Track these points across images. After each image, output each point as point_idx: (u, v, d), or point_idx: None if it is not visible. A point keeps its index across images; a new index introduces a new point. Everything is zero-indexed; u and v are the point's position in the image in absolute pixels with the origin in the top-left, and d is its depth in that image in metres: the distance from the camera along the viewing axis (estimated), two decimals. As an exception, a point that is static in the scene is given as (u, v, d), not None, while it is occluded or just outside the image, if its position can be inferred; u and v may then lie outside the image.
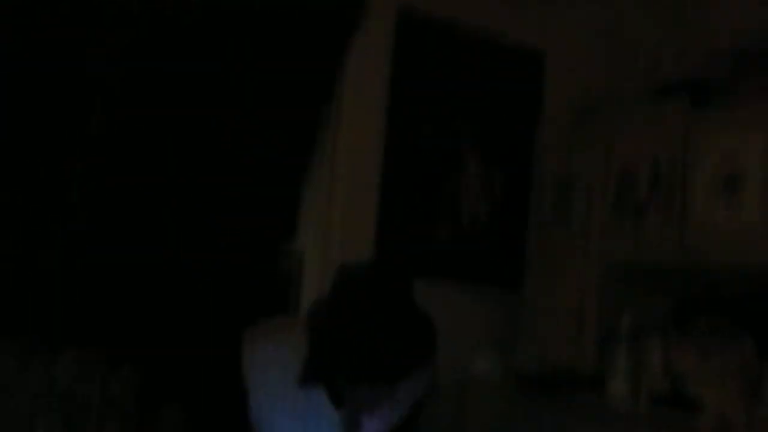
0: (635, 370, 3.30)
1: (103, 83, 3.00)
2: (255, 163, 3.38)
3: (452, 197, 4.10)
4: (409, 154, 3.94)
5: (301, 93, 3.50)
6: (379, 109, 3.87)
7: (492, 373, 3.68)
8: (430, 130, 4.02)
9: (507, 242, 4.24)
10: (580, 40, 4.29)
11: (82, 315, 2.93)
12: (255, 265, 3.43)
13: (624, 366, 3.30)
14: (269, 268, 3.50)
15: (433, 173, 4.02)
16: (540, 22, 4.27)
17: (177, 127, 3.18)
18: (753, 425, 2.93)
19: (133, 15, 3.03)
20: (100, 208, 3.03)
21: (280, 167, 3.49)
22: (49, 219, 2.94)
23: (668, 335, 3.33)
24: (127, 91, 3.06)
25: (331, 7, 3.52)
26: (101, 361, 2.50)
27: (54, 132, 2.95)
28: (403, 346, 1.81)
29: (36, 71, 2.86)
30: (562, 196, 3.93)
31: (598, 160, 3.77)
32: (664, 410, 2.98)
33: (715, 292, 3.41)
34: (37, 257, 2.90)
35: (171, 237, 3.19)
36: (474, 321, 4.08)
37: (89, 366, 2.47)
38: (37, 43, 2.88)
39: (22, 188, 2.89)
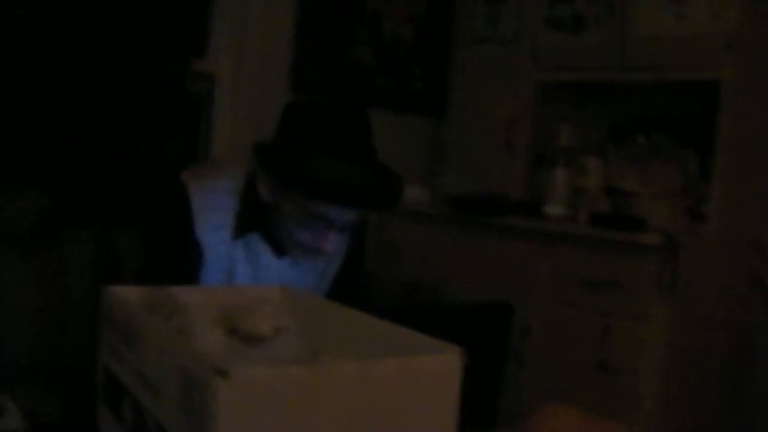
0: (573, 191, 3.17)
1: None
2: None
3: (374, 16, 3.80)
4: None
5: None
6: None
7: (421, 200, 3.49)
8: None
9: (431, 65, 4.00)
10: None
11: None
12: (163, 85, 3.13)
13: (561, 187, 3.16)
14: (178, 88, 3.19)
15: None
16: None
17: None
18: (696, 242, 2.85)
19: None
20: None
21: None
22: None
23: (607, 154, 3.19)
24: None
25: None
26: (1, 181, 2.20)
27: None
28: (374, 172, 1.62)
29: None
30: (491, 12, 3.68)
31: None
32: (604, 229, 2.85)
33: (656, 109, 3.27)
34: None
35: (76, 53, 2.86)
36: (400, 150, 3.85)
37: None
38: None
39: None
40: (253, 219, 1.71)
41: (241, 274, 1.73)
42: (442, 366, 1.04)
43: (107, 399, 1.18)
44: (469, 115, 3.77)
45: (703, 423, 2.77)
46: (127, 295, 1.24)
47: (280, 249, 1.75)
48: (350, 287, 1.90)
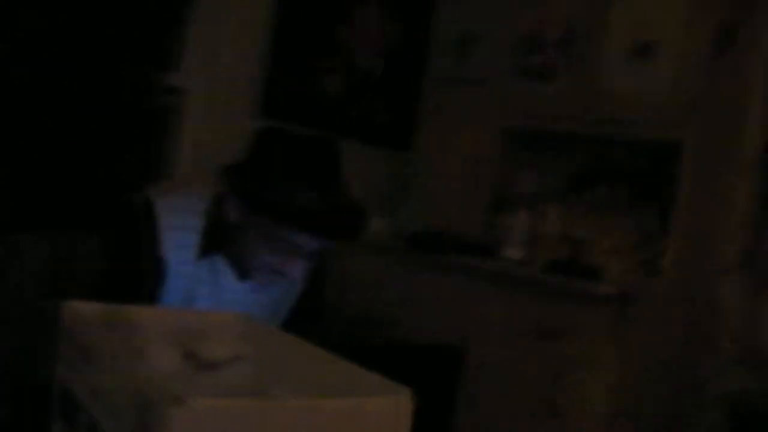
0: (531, 237, 3.20)
1: None
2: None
3: (345, 47, 3.83)
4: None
5: None
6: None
7: (380, 233, 3.51)
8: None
9: (400, 100, 4.04)
10: None
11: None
12: (130, 97, 3.11)
13: (520, 232, 3.19)
14: (145, 101, 3.18)
15: (328, 19, 3.72)
16: None
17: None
18: (649, 295, 2.90)
19: None
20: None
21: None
22: None
23: (567, 203, 3.23)
24: None
25: None
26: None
27: None
28: (339, 202, 1.65)
29: None
30: (462, 54, 3.73)
31: (504, 18, 3.58)
32: (561, 277, 2.89)
33: (618, 162, 3.33)
34: None
35: (42, 63, 2.84)
36: (363, 181, 3.86)
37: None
38: None
39: None
40: (218, 240, 1.72)
41: (202, 294, 1.74)
42: (392, 408, 1.05)
43: (62, 413, 1.18)
44: (434, 152, 3.80)
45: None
46: (85, 310, 1.23)
47: (242, 272, 1.75)
48: (308, 317, 1.90)
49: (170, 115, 3.38)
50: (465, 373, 1.80)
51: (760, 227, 3.03)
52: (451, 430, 1.67)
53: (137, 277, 1.67)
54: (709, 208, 3.00)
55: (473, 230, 3.51)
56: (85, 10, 2.96)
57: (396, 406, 1.05)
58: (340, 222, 1.64)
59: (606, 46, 3.22)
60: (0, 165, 2.74)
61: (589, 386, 2.76)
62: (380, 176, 3.97)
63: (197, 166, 3.40)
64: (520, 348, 2.94)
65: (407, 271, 3.35)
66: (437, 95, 3.85)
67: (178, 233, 1.70)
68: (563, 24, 3.36)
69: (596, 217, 3.17)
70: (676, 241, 2.96)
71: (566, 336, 2.80)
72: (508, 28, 3.59)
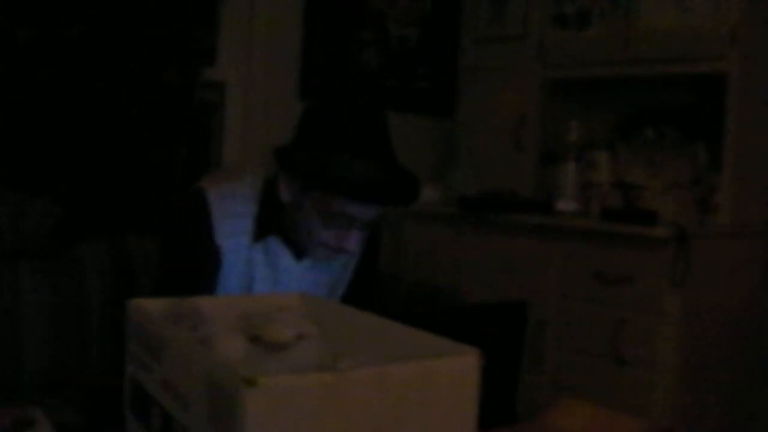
0: (583, 187, 3.18)
1: None
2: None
3: (379, 19, 3.82)
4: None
5: None
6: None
7: (431, 200, 3.52)
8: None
9: (438, 66, 4.02)
10: None
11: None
12: (174, 94, 3.15)
13: (572, 183, 3.18)
14: (188, 96, 3.21)
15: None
16: None
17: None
18: (707, 233, 2.87)
19: None
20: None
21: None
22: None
23: (616, 149, 3.20)
24: None
25: None
26: (16, 191, 2.21)
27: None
28: (392, 170, 1.67)
29: None
30: (497, 11, 3.70)
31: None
32: (616, 224, 2.87)
33: (663, 102, 3.28)
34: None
35: (87, 64, 2.89)
36: (410, 150, 3.87)
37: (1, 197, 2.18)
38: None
39: None
40: (272, 222, 1.74)
41: (261, 277, 1.76)
42: (461, 368, 1.06)
43: (135, 409, 1.21)
44: (478, 114, 3.79)
45: (717, 413, 2.79)
46: (151, 306, 1.26)
47: (298, 251, 1.78)
48: (366, 288, 1.92)
49: (214, 107, 3.42)
50: (529, 328, 1.81)
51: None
52: (518, 387, 1.68)
53: (196, 269, 1.70)
54: (759, 140, 2.95)
55: (524, 187, 3.49)
56: (124, 10, 2.99)
57: (464, 366, 1.06)
58: (394, 190, 1.65)
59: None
60: (56, 175, 2.80)
61: (655, 332, 2.74)
62: (426, 143, 3.97)
63: (245, 153, 3.44)
64: (581, 299, 2.93)
65: (462, 235, 3.35)
66: (476, 55, 3.83)
67: (233, 220, 1.73)
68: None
69: (646, 160, 3.14)
70: (728, 176, 2.92)
71: (627, 281, 2.79)
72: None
